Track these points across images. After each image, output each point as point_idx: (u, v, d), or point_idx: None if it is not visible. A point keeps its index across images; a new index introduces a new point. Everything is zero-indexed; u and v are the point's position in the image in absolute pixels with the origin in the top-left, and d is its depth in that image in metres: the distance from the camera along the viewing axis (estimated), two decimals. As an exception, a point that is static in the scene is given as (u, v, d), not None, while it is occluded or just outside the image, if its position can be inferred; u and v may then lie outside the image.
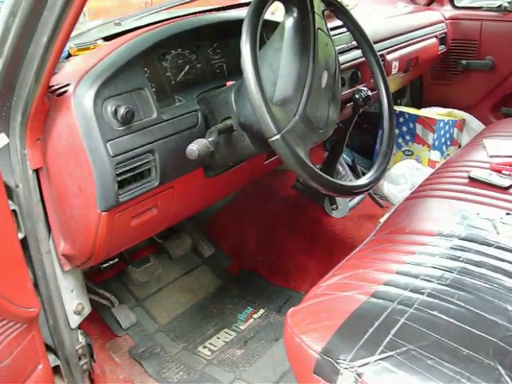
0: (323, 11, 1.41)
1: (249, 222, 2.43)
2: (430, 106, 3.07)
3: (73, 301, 1.50)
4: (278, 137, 1.13)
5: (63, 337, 1.49)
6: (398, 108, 3.00)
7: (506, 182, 1.71)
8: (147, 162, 1.29)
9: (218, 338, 1.97)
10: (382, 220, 1.70)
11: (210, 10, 1.83)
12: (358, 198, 2.46)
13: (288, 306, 1.25)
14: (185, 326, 2.04)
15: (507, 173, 1.77)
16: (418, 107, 3.09)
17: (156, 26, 1.48)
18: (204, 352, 1.90)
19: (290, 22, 1.30)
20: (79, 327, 1.55)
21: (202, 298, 2.18)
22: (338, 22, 1.60)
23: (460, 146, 2.85)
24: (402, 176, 2.60)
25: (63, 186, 1.27)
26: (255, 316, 2.06)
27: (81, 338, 1.56)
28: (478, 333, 1.08)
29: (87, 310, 1.57)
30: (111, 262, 1.95)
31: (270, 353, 1.86)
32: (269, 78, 1.25)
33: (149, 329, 2.01)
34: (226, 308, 2.12)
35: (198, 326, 2.03)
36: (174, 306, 2.12)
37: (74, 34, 1.16)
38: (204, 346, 1.93)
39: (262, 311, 2.08)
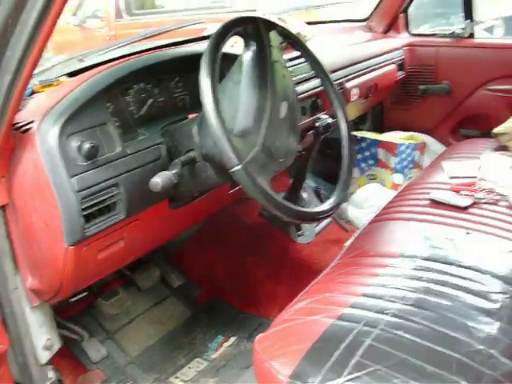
0: (280, 44, 1.45)
1: (216, 251, 2.44)
2: (391, 131, 3.13)
3: (42, 336, 1.49)
4: (239, 167, 1.16)
5: (33, 373, 1.47)
6: (359, 133, 3.05)
7: (465, 202, 1.76)
8: (112, 196, 1.31)
9: (190, 368, 1.96)
10: (347, 244, 1.73)
11: (172, 45, 1.86)
12: (323, 223, 2.48)
13: (258, 333, 1.26)
14: (156, 357, 2.03)
15: (466, 193, 1.82)
16: (380, 132, 3.15)
17: (118, 61, 1.50)
18: (176, 382, 1.90)
19: (248, 56, 1.34)
20: (49, 363, 1.54)
21: (172, 328, 2.17)
22: (298, 53, 1.63)
23: (422, 168, 2.91)
24: (366, 200, 2.64)
25: (30, 222, 1.28)
26: (226, 344, 2.06)
27: (51, 374, 1.54)
28: (442, 350, 1.11)
29: (57, 346, 1.56)
30: (80, 296, 1.93)
31: (242, 380, 1.85)
32: (229, 111, 1.28)
33: (120, 361, 1.99)
34: (196, 338, 2.12)
35: (169, 356, 2.02)
36: (145, 338, 2.11)
37: (37, 70, 1.18)
38: (176, 377, 1.92)
39: (232, 339, 2.08)
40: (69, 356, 1.93)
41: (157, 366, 1.98)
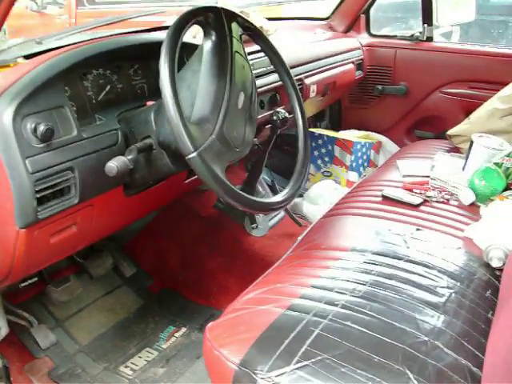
0: (241, 35, 1.46)
1: (170, 242, 2.44)
2: (348, 129, 3.16)
3: (-12, 321, 1.47)
4: (194, 154, 1.17)
5: (-22, 359, 1.46)
6: (317, 130, 3.08)
7: (416, 200, 1.80)
8: (67, 180, 1.29)
9: (140, 358, 1.95)
10: (300, 237, 1.75)
11: (133, 32, 1.85)
12: (277, 217, 2.50)
13: (209, 324, 1.28)
14: (106, 346, 2.01)
15: (418, 191, 1.86)
16: (337, 130, 3.18)
17: (77, 45, 1.48)
18: (126, 371, 1.89)
19: (208, 45, 1.34)
20: (-5, 349, 1.52)
21: (123, 317, 2.16)
22: (258, 47, 1.64)
23: (377, 167, 2.95)
24: (321, 196, 2.67)
25: (-19, 203, 1.26)
26: (177, 335, 2.06)
27: (-3, 361, 1.53)
28: (389, 340, 1.13)
29: (4, 331, 1.54)
30: (30, 282, 1.90)
31: (192, 370, 1.86)
32: (187, 99, 1.29)
33: (69, 350, 1.96)
34: (147, 327, 2.11)
35: (119, 345, 2.01)
36: (95, 326, 2.09)
37: (-7, 51, 1.16)
38: (126, 366, 1.91)
39: (183, 330, 2.09)
40: (16, 343, 1.90)
41: (107, 355, 1.97)
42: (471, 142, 2.01)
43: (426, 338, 1.15)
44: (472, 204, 1.81)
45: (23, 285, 1.88)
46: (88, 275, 2.22)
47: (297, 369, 1.07)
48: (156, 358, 1.95)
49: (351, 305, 1.24)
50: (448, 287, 1.34)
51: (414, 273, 1.39)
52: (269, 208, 1.46)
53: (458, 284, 1.36)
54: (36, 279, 1.93)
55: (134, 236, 2.47)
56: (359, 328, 1.16)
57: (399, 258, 1.45)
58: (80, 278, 2.19)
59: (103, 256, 2.27)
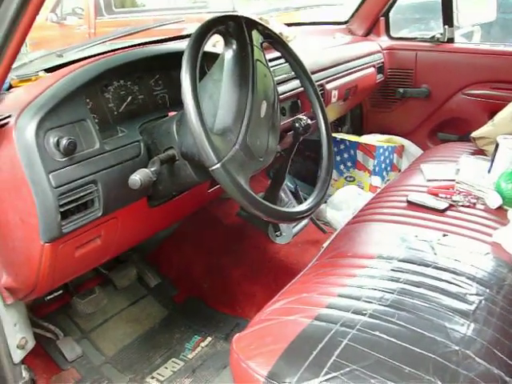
0: (261, 43, 1.45)
1: (194, 251, 2.43)
2: (370, 133, 3.14)
3: (16, 335, 1.47)
4: (218, 165, 1.16)
5: (6, 372, 1.45)
6: (338, 135, 3.06)
7: (442, 205, 1.78)
8: (90, 193, 1.29)
9: (166, 368, 1.95)
10: (325, 245, 1.73)
11: (152, 42, 1.85)
12: (301, 224, 2.48)
13: (235, 334, 1.26)
14: (132, 357, 2.01)
15: (443, 196, 1.84)
16: (359, 134, 3.16)
17: (98, 57, 1.48)
18: (152, 382, 1.88)
19: (229, 54, 1.34)
20: (22, 362, 1.51)
21: (148, 328, 2.15)
22: (278, 53, 1.63)
23: (400, 171, 2.92)
24: (345, 201, 2.65)
25: (5, 219, 1.26)
26: (203, 344, 2.05)
27: (24, 373, 1.52)
28: (419, 350, 1.11)
29: (31, 344, 1.54)
30: (55, 294, 1.91)
31: (218, 380, 1.85)
32: (209, 109, 1.28)
33: (95, 361, 1.97)
34: (173, 337, 2.11)
35: (145, 356, 2.01)
36: (121, 337, 2.09)
37: (15, 65, 1.16)
38: (152, 377, 1.91)
39: (209, 339, 2.08)
40: (43, 355, 1.91)
41: (132, 366, 1.97)
42: (496, 144, 1.98)
43: (457, 348, 1.12)
44: (499, 207, 1.78)
45: (49, 297, 1.89)
46: (113, 286, 2.23)
47: (325, 381, 1.05)
48: (182, 368, 1.95)
49: (379, 314, 1.22)
50: (477, 294, 1.31)
51: (442, 280, 1.36)
52: (294, 218, 1.45)
53: (488, 291, 1.33)
54: (61, 292, 1.94)
55: (158, 246, 2.48)
56: (388, 338, 1.15)
57: (427, 265, 1.43)
58: (105, 290, 2.20)
59: (127, 267, 2.28)
